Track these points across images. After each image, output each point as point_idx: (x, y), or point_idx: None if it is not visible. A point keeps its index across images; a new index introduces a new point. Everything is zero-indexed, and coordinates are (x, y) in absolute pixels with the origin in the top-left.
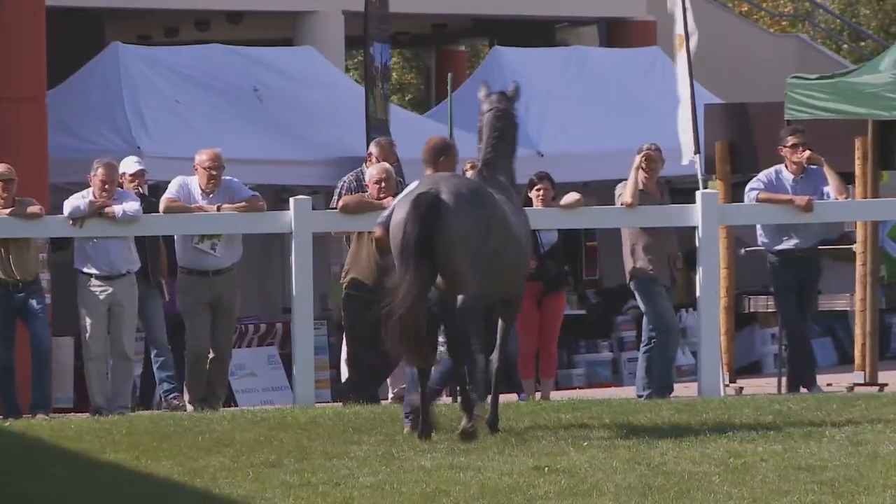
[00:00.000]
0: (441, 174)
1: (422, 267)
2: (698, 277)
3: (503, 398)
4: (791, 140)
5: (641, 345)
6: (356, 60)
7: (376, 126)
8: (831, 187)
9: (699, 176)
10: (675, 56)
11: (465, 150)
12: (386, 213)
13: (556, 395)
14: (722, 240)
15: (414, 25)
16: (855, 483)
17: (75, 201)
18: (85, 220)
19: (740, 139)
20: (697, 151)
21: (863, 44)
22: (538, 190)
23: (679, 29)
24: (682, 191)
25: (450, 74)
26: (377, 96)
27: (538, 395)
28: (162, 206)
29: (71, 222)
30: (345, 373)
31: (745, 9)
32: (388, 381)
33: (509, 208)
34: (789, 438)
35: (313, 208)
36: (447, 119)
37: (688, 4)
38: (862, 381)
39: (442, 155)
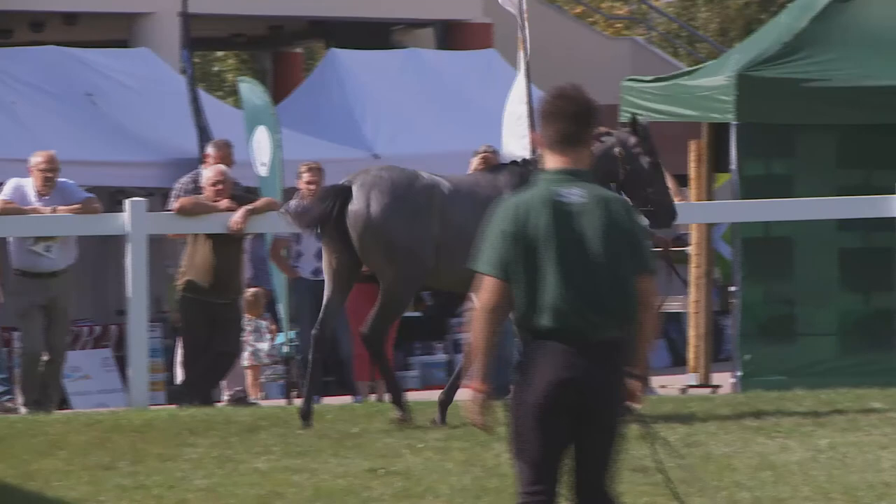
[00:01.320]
0: (383, 167)
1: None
2: None
3: (338, 401)
4: None
5: None
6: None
7: (204, 128)
8: None
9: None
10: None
11: (296, 152)
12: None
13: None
14: None
15: (250, 27)
16: (688, 484)
17: None
18: None
19: None
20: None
21: (699, 46)
22: None
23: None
24: None
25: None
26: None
27: (373, 396)
28: None
29: None
30: (180, 375)
31: (580, 11)
32: (223, 383)
33: (469, 205)
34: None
35: (149, 210)
36: (284, 121)
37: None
38: (695, 383)
39: None
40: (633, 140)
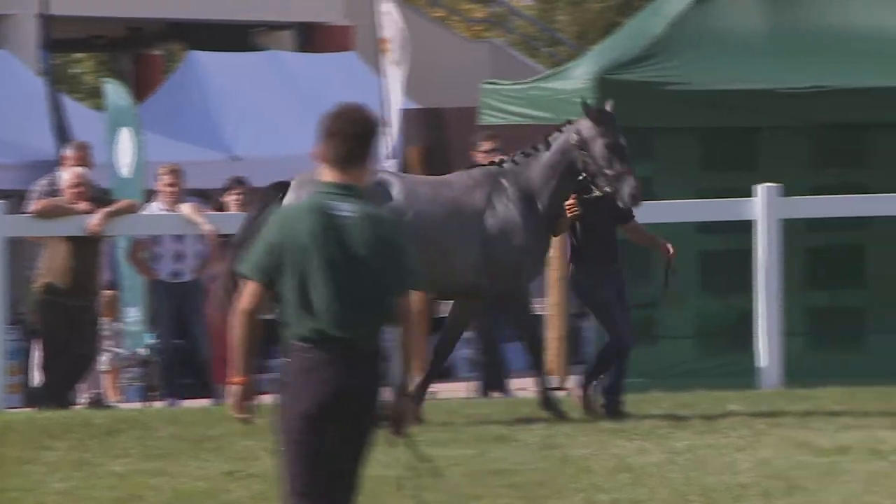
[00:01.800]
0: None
1: None
2: None
3: (197, 403)
4: (485, 145)
5: None
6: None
7: (63, 130)
8: None
9: None
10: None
11: (156, 154)
12: None
13: None
14: None
15: (109, 29)
16: (546, 486)
17: None
18: None
19: (435, 144)
20: (392, 157)
21: (558, 49)
22: (234, 194)
23: (381, 33)
24: None
25: None
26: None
27: None
28: None
29: None
30: (37, 377)
31: (440, 13)
32: (81, 385)
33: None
34: (481, 442)
35: (7, 213)
36: (144, 123)
37: (387, 8)
38: (554, 385)
39: None
40: (587, 126)
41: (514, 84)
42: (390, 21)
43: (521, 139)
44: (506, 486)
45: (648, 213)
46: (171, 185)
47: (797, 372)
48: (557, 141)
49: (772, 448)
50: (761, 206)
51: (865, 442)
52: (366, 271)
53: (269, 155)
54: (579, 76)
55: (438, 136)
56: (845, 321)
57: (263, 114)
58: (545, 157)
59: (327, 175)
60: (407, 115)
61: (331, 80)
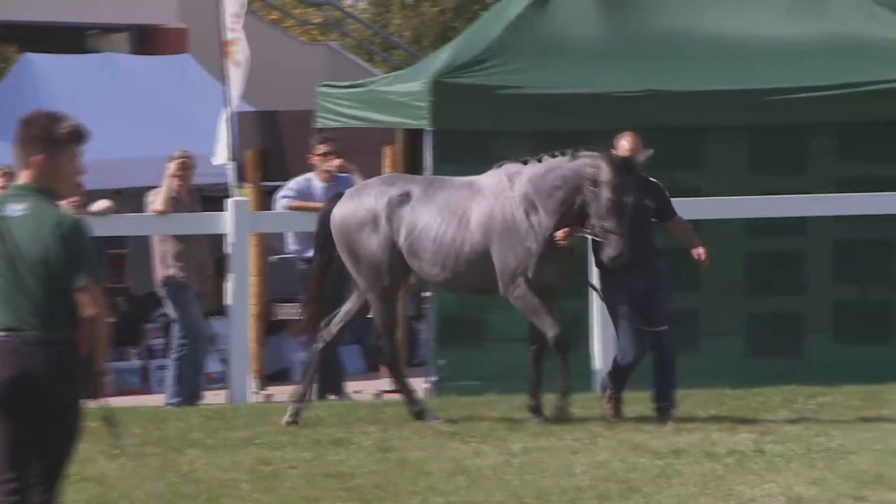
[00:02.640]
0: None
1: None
2: (229, 285)
3: None
4: (321, 148)
5: (172, 352)
6: None
7: None
8: None
9: (231, 184)
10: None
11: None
12: None
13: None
14: (252, 247)
15: None
16: (383, 489)
17: None
18: None
19: (272, 147)
20: (234, 159)
21: (394, 53)
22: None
23: (225, 35)
24: (213, 199)
25: None
26: None
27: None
28: None
29: None
30: None
31: (275, 16)
32: None
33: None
34: (318, 445)
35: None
36: None
37: (233, 10)
38: (390, 388)
39: None
40: (606, 171)
41: (350, 87)
42: (236, 23)
43: (357, 142)
44: (343, 489)
45: None
46: (3, 188)
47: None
48: (578, 160)
49: (608, 450)
50: None
51: (699, 444)
52: (34, 267)
53: (105, 158)
54: (416, 80)
55: (275, 138)
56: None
57: (98, 117)
58: (567, 165)
59: (20, 177)
60: (243, 117)
61: (166, 81)
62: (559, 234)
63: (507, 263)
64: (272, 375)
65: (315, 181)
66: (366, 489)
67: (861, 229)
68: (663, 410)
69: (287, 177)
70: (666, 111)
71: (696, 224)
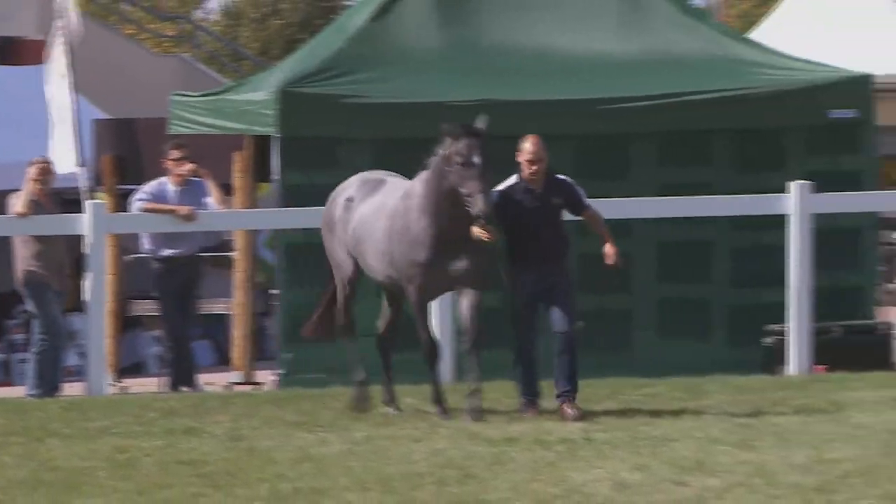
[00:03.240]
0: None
1: None
2: (86, 283)
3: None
4: (175, 154)
5: (32, 347)
6: None
7: None
8: (213, 198)
9: (83, 188)
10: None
11: None
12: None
13: None
14: (109, 247)
15: None
16: (233, 476)
17: None
18: None
19: (128, 152)
20: (82, 164)
21: (243, 64)
22: None
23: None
24: (71, 201)
25: None
26: None
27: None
28: None
29: None
30: None
31: (131, 30)
32: None
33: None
34: (171, 434)
35: None
36: None
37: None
38: (239, 381)
39: None
40: (448, 142)
41: (201, 96)
42: (66, 33)
43: (208, 148)
44: (195, 476)
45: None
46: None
47: (466, 368)
48: (438, 153)
49: (446, 439)
50: None
51: (532, 433)
52: None
53: None
54: (263, 89)
55: (131, 145)
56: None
57: None
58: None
59: None
60: (101, 125)
61: (25, 91)
62: (475, 231)
63: (402, 268)
64: (126, 369)
65: (168, 185)
66: (217, 476)
67: (681, 231)
68: (564, 396)
69: (142, 181)
70: (499, 119)
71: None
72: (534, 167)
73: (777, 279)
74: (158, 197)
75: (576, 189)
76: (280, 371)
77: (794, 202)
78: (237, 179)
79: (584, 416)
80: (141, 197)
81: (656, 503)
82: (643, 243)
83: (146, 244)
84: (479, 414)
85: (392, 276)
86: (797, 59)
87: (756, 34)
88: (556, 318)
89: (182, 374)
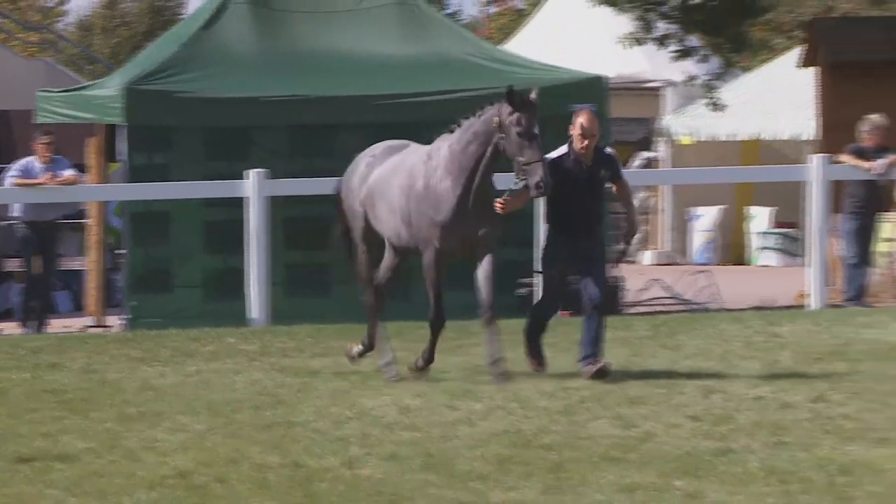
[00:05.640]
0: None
1: None
2: None
3: None
4: (42, 139)
5: None
6: None
7: None
8: (69, 172)
9: None
10: None
11: None
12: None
13: None
14: None
15: None
16: (88, 402)
17: None
18: None
19: (3, 137)
20: None
21: (97, 66)
22: None
23: None
24: None
25: None
26: None
27: None
28: None
29: None
30: None
31: (2, 37)
32: None
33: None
34: (38, 369)
35: None
36: None
37: None
38: (93, 324)
39: None
40: (507, 109)
41: (62, 92)
42: None
43: (68, 134)
44: (57, 402)
45: (166, 191)
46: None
47: (279, 314)
48: (485, 114)
49: (261, 371)
50: (252, 186)
51: (331, 367)
52: None
53: None
54: (112, 86)
55: (6, 132)
56: (315, 274)
57: None
58: (476, 122)
59: None
60: None
61: None
62: (498, 203)
63: (420, 228)
64: (0, 314)
65: (36, 163)
66: (75, 402)
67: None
68: (588, 360)
69: (15, 159)
70: (306, 111)
71: (327, 198)
72: (586, 141)
73: (527, 241)
74: (27, 173)
75: (618, 162)
76: (126, 316)
77: None
78: (91, 160)
79: (604, 371)
80: (13, 174)
81: (433, 423)
82: None
83: (16, 212)
84: (506, 377)
85: (401, 233)
86: (544, 64)
87: (511, 45)
88: (590, 287)
89: (45, 318)
